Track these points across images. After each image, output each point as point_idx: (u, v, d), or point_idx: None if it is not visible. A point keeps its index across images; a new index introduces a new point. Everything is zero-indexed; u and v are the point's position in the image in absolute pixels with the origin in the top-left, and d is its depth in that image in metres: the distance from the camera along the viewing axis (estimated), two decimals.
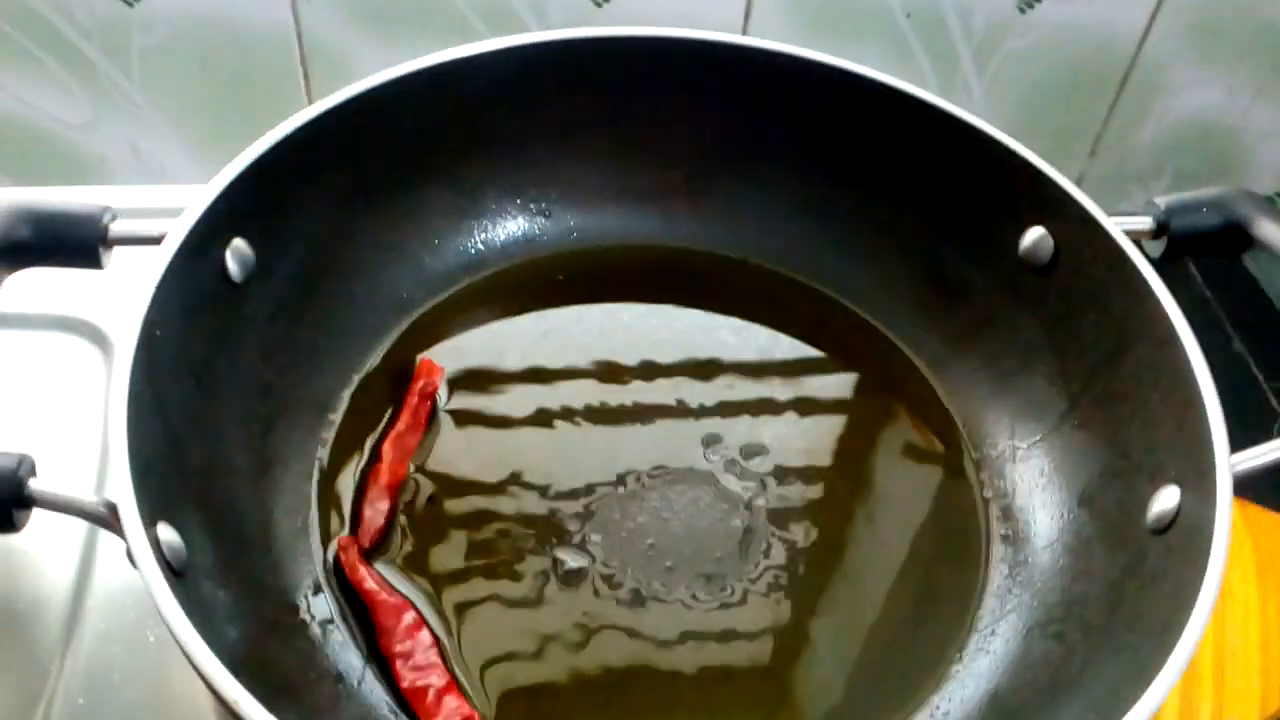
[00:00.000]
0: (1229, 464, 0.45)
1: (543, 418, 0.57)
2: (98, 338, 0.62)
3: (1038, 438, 0.55)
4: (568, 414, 0.57)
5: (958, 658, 0.50)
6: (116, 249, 0.52)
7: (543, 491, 0.54)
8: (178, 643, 0.37)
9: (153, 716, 0.49)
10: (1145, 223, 0.54)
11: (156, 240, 0.49)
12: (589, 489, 0.54)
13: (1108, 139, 1.09)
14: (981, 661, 0.50)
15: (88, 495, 0.42)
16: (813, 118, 0.61)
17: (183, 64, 0.88)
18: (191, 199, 0.49)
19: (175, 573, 0.40)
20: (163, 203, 0.68)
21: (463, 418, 0.57)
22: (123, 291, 0.60)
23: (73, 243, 0.50)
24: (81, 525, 0.54)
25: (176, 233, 0.48)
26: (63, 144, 0.93)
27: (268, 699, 0.37)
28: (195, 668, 0.37)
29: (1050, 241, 0.55)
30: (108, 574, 0.53)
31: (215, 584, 0.44)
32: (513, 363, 0.59)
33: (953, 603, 0.52)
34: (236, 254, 0.51)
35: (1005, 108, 0.85)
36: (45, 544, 0.54)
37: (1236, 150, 1.11)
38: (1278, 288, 0.78)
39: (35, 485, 0.42)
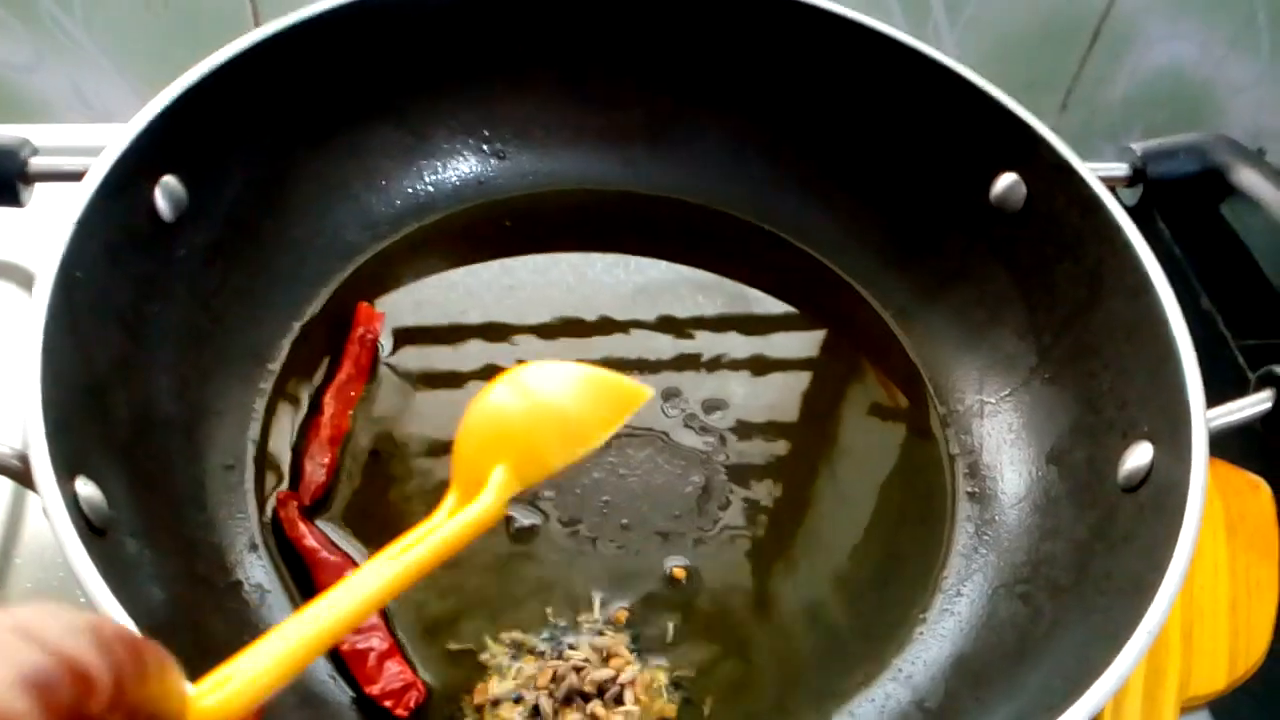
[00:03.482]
0: (1205, 419, 0.43)
1: (489, 372, 0.55)
2: (24, 279, 0.59)
3: (1007, 392, 0.54)
4: (516, 366, 0.55)
5: (921, 619, 0.48)
6: (38, 185, 0.49)
7: None
8: (92, 605, 0.35)
9: None
10: (1121, 169, 0.53)
11: (79, 176, 0.46)
12: None
13: (1079, 92, 1.07)
14: (946, 623, 0.48)
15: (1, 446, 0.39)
16: (779, 57, 0.58)
17: (128, 0, 0.84)
18: (113, 137, 0.46)
19: (95, 530, 0.38)
20: (97, 141, 0.65)
21: (408, 370, 0.54)
22: (45, 230, 0.58)
23: None
24: (6, 482, 0.52)
25: (99, 167, 0.44)
26: (3, 85, 0.89)
27: (197, 664, 0.34)
28: None
29: (1023, 188, 0.53)
30: (36, 528, 0.51)
31: (141, 542, 0.41)
32: (462, 313, 0.57)
33: (917, 562, 0.50)
34: (167, 191, 0.48)
35: (977, 58, 0.82)
36: None
37: (1209, 104, 1.10)
38: (1255, 238, 0.76)
39: None
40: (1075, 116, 1.05)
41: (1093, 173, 0.50)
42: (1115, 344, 0.48)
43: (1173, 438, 0.44)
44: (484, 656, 0.45)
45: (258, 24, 0.89)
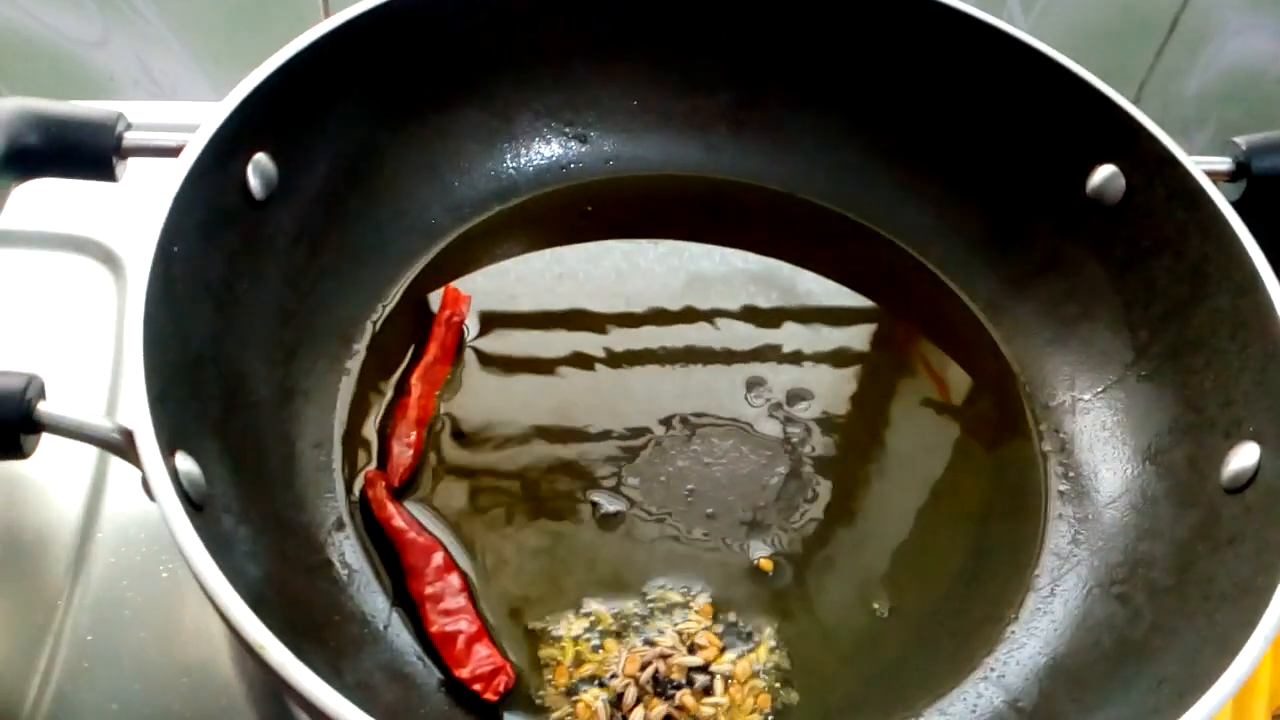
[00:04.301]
0: None
1: (577, 358, 0.54)
2: (108, 257, 0.59)
3: (1101, 388, 0.52)
4: (603, 354, 0.54)
5: (1013, 618, 0.47)
6: (131, 161, 0.49)
7: (579, 433, 0.51)
8: (198, 580, 0.35)
9: (164, 654, 0.47)
10: (1224, 163, 0.51)
11: (174, 152, 0.45)
12: (627, 431, 0.51)
13: (1153, 84, 1.05)
14: (1039, 622, 0.47)
15: (101, 420, 0.39)
16: (869, 43, 0.57)
17: None
18: (206, 113, 0.46)
19: (194, 505, 0.38)
20: (175, 119, 0.65)
21: (492, 354, 0.54)
22: (134, 209, 0.58)
23: (84, 151, 0.47)
24: (91, 453, 0.52)
25: (196, 144, 0.44)
26: (70, 61, 0.89)
27: (292, 642, 0.34)
28: (217, 607, 0.34)
29: (1121, 180, 0.52)
30: (118, 505, 0.51)
31: (235, 519, 0.41)
32: (545, 298, 0.56)
33: (1008, 560, 0.49)
34: (258, 169, 0.48)
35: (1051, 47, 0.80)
36: (53, 472, 0.51)
37: None
38: None
39: (45, 408, 0.39)
40: (1149, 108, 1.03)
41: (1197, 166, 0.49)
42: (1219, 341, 0.47)
43: None
44: (566, 640, 0.45)
45: (326, 4, 0.89)
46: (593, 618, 0.46)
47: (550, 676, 0.44)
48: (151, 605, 0.48)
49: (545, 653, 0.45)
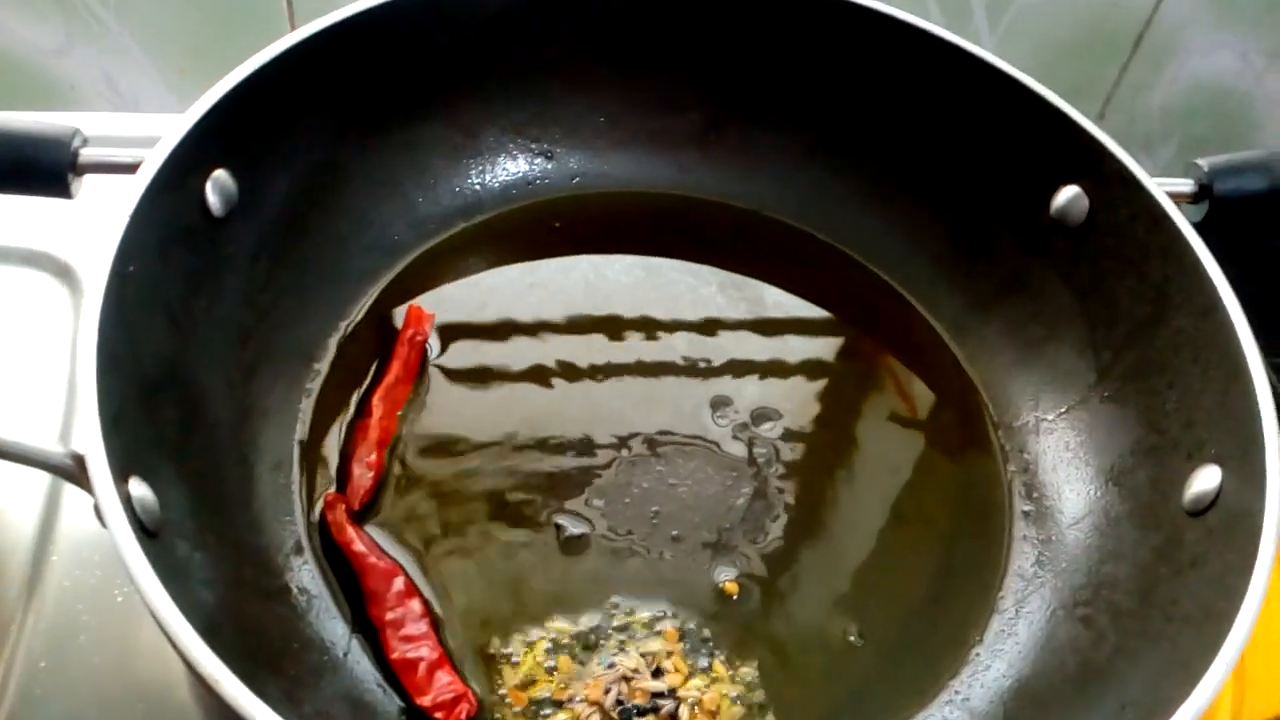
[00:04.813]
0: (1279, 443, 0.42)
1: (540, 374, 0.54)
2: (63, 272, 0.58)
3: (1064, 409, 0.53)
4: (567, 371, 0.54)
5: (978, 639, 0.47)
6: (86, 177, 0.48)
7: (541, 453, 0.51)
8: (151, 610, 0.34)
9: (120, 681, 0.46)
10: (1186, 184, 0.52)
11: (130, 168, 0.45)
12: (591, 452, 0.51)
13: (1117, 102, 1.06)
14: (1004, 644, 0.47)
15: (52, 446, 0.38)
16: (835, 62, 0.57)
17: None
18: (166, 127, 0.45)
19: (147, 531, 0.37)
20: (135, 131, 0.64)
21: (456, 372, 0.53)
22: (91, 223, 0.57)
23: (40, 168, 0.46)
24: (44, 476, 0.51)
25: (154, 159, 0.44)
26: (31, 70, 0.88)
27: (248, 672, 0.33)
28: (170, 637, 0.34)
29: (1085, 201, 0.52)
30: (72, 528, 0.50)
31: (190, 544, 0.40)
32: (510, 314, 0.56)
33: (973, 582, 0.49)
34: (218, 186, 0.47)
35: (1015, 64, 0.81)
36: (5, 494, 0.50)
37: (1248, 118, 1.09)
38: None
39: None
40: (1112, 125, 1.04)
41: (1160, 187, 0.49)
42: (1181, 363, 0.47)
43: (1243, 461, 0.43)
44: (527, 663, 0.45)
45: (292, 12, 0.88)
46: (555, 641, 0.45)
47: (510, 702, 0.44)
48: (107, 630, 0.47)
49: (506, 677, 0.44)
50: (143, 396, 0.41)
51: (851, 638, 0.47)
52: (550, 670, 0.45)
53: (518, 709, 0.44)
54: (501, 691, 0.44)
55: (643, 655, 0.45)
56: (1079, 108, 0.53)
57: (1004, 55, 0.56)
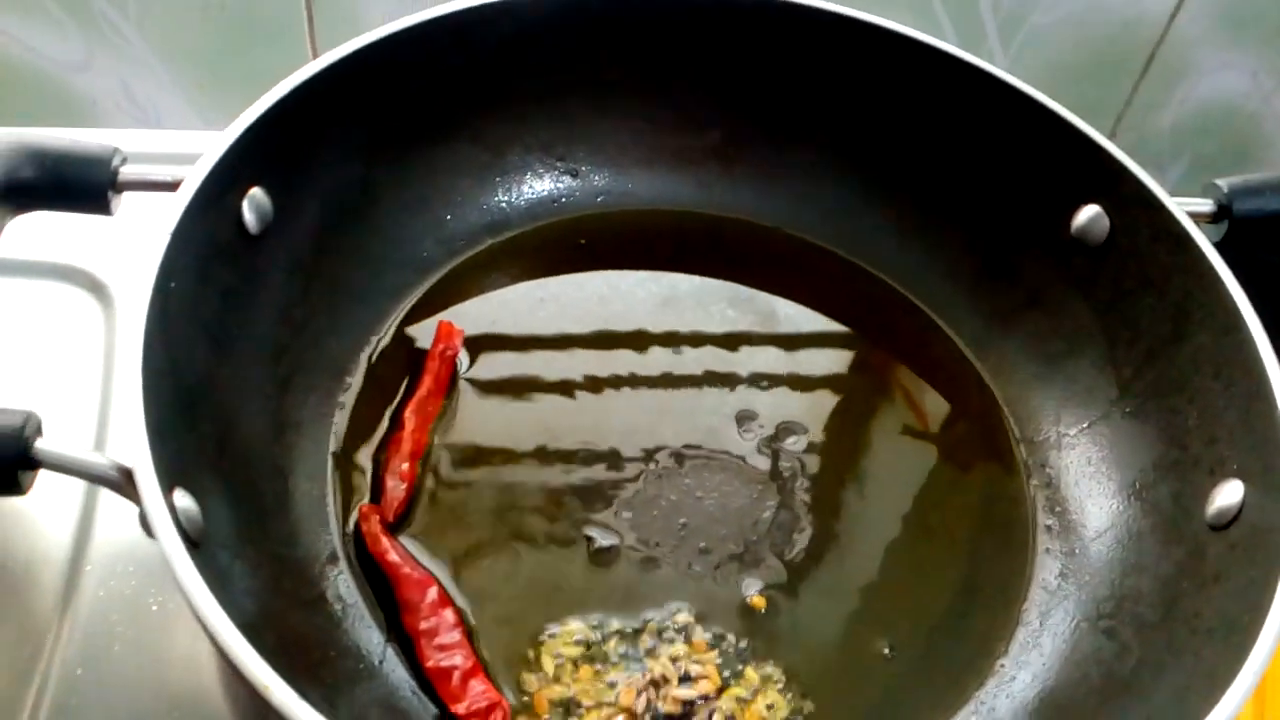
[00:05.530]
0: None
1: (567, 388, 0.55)
2: (96, 288, 0.59)
3: (1085, 425, 0.53)
4: (594, 385, 0.55)
5: (1003, 651, 0.48)
6: (125, 194, 0.49)
7: (570, 466, 0.52)
8: (200, 619, 0.35)
9: (155, 688, 0.47)
10: (1206, 204, 0.52)
11: (170, 186, 0.46)
12: (619, 465, 0.52)
13: (1128, 120, 1.06)
14: (1028, 656, 0.48)
15: (100, 458, 0.39)
16: (856, 81, 0.58)
17: (182, 2, 0.84)
18: (197, 145, 0.46)
19: (191, 542, 0.38)
20: (166, 148, 0.65)
21: (485, 386, 0.54)
22: (123, 240, 0.58)
23: (81, 186, 0.47)
24: (80, 485, 0.51)
25: (194, 178, 0.44)
26: (51, 84, 0.89)
27: (289, 679, 0.34)
28: (218, 645, 0.34)
29: (1105, 221, 0.53)
30: (108, 537, 0.50)
31: (231, 554, 0.41)
32: (537, 329, 0.56)
33: (997, 594, 0.50)
34: (254, 204, 0.48)
35: (1028, 82, 0.82)
36: (42, 505, 0.51)
37: (1257, 137, 1.10)
38: None
39: (42, 445, 0.39)
40: (1123, 144, 1.04)
41: (1180, 208, 0.50)
42: (1202, 380, 0.48)
43: (1266, 476, 0.43)
44: (557, 671, 0.45)
45: (312, 32, 0.90)
46: (586, 650, 0.46)
47: (540, 709, 0.44)
48: (141, 639, 0.48)
49: (537, 684, 0.45)
50: (183, 410, 0.42)
51: (879, 651, 0.48)
52: (580, 678, 0.45)
53: (548, 717, 0.44)
54: (531, 698, 0.44)
55: (674, 663, 0.46)
56: (1090, 126, 0.54)
57: (1016, 75, 0.57)
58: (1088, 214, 0.53)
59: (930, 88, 0.57)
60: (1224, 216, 0.52)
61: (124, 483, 0.38)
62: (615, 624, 0.47)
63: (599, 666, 0.45)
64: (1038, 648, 0.48)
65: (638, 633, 0.47)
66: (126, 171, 0.47)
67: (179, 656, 0.48)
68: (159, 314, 0.41)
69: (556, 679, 0.45)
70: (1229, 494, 0.45)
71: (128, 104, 0.91)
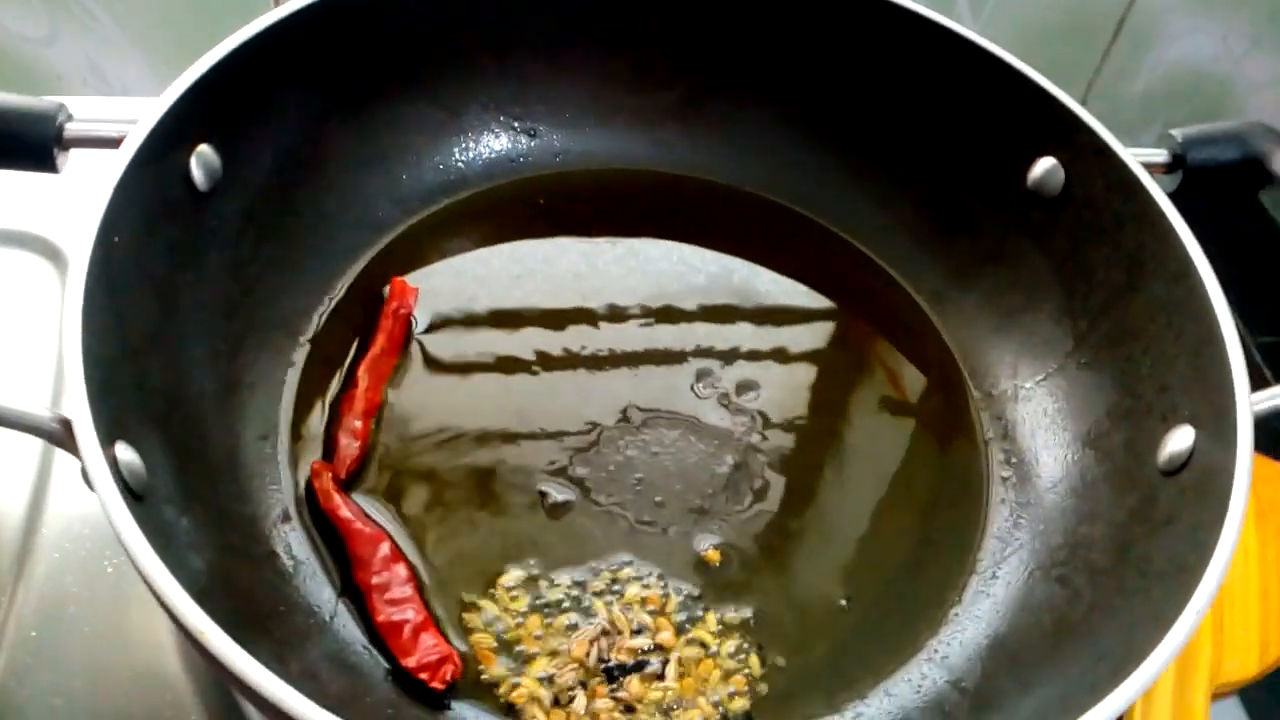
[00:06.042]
0: (1250, 403, 0.43)
1: (524, 349, 0.54)
2: (51, 252, 0.59)
3: (1042, 376, 0.53)
4: (551, 345, 0.55)
5: (956, 600, 0.48)
6: (74, 154, 0.49)
7: (528, 425, 0.51)
8: (138, 570, 0.34)
9: (111, 650, 0.47)
10: (1160, 155, 0.52)
11: (115, 143, 0.45)
12: (576, 423, 0.52)
13: (1100, 86, 1.06)
14: (982, 604, 0.48)
15: (40, 410, 0.39)
16: (816, 39, 0.58)
17: None
18: (151, 104, 0.45)
19: (134, 496, 0.37)
20: (120, 114, 0.65)
21: (440, 344, 0.54)
22: (76, 202, 0.57)
23: (25, 142, 0.46)
24: (35, 448, 0.51)
25: (137, 133, 0.44)
26: (16, 59, 0.88)
27: (237, 633, 0.34)
28: (158, 597, 0.34)
29: (1061, 172, 0.53)
30: (62, 500, 0.50)
31: (177, 509, 0.41)
32: (492, 290, 0.56)
33: (952, 545, 0.50)
34: (202, 160, 0.47)
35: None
36: None
37: (1228, 101, 1.09)
38: None
39: None
40: (1095, 110, 1.04)
41: (1134, 158, 0.50)
42: (1155, 328, 0.48)
43: (1216, 422, 0.44)
44: (509, 623, 0.45)
45: (277, 3, 0.89)
46: (539, 601, 0.46)
47: (487, 660, 0.44)
48: (96, 601, 0.48)
49: (488, 637, 0.45)
50: (129, 364, 0.42)
51: (832, 603, 0.48)
52: (530, 628, 0.45)
53: (499, 669, 0.44)
54: (481, 651, 0.44)
55: (627, 615, 0.46)
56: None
57: (986, 38, 0.56)
58: (1044, 166, 0.53)
59: (888, 43, 0.57)
60: (1178, 166, 0.52)
61: (65, 436, 0.38)
62: (567, 576, 0.47)
63: (550, 618, 0.45)
64: (991, 596, 0.48)
65: (589, 585, 0.47)
66: (72, 128, 0.47)
67: (134, 617, 0.47)
68: (102, 268, 0.41)
69: (507, 630, 0.45)
70: (1180, 439, 0.45)
71: (94, 79, 0.91)
